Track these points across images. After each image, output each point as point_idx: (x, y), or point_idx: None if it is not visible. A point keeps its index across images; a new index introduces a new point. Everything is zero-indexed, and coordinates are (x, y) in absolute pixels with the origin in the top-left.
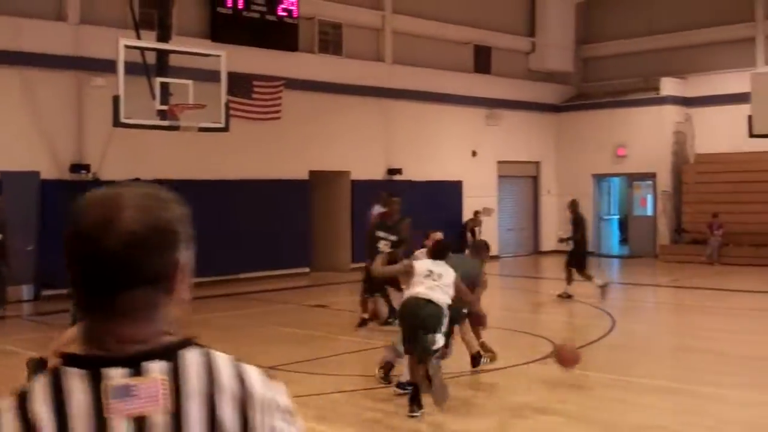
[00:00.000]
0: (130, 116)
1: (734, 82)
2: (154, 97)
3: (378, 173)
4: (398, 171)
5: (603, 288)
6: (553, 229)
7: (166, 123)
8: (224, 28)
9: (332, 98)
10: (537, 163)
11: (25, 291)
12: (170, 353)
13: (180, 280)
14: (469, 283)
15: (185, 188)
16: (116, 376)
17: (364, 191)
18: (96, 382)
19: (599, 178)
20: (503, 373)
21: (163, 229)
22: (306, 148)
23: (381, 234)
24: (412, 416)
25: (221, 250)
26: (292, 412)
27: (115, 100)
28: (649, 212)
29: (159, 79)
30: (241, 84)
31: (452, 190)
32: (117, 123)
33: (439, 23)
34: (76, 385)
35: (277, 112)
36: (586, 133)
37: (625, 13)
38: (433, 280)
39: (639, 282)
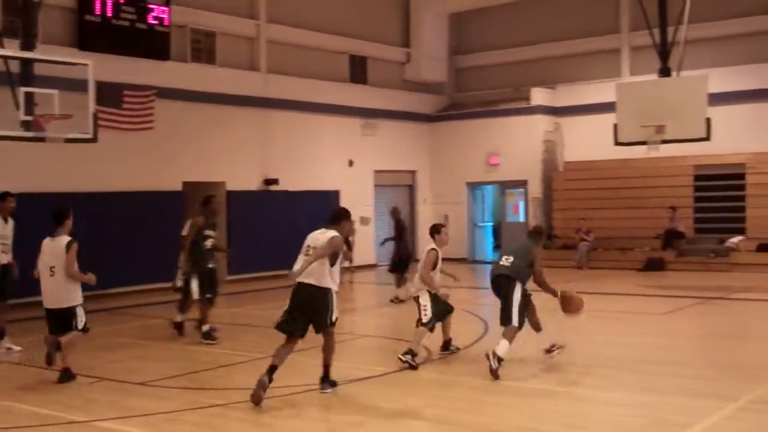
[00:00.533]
0: None
1: (601, 92)
2: (18, 107)
3: (254, 184)
4: (275, 181)
5: (396, 300)
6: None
7: (31, 134)
8: (92, 36)
9: (206, 108)
10: (413, 172)
11: None
12: None
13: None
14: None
15: (54, 201)
16: None
17: (241, 202)
18: None
19: (473, 186)
20: (377, 380)
21: None
22: (179, 159)
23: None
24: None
25: (90, 265)
26: None
27: None
28: (522, 219)
29: (23, 89)
30: (110, 93)
31: (330, 200)
32: None
33: (315, 33)
34: None
35: (148, 122)
36: (460, 142)
37: (496, 24)
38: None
39: None
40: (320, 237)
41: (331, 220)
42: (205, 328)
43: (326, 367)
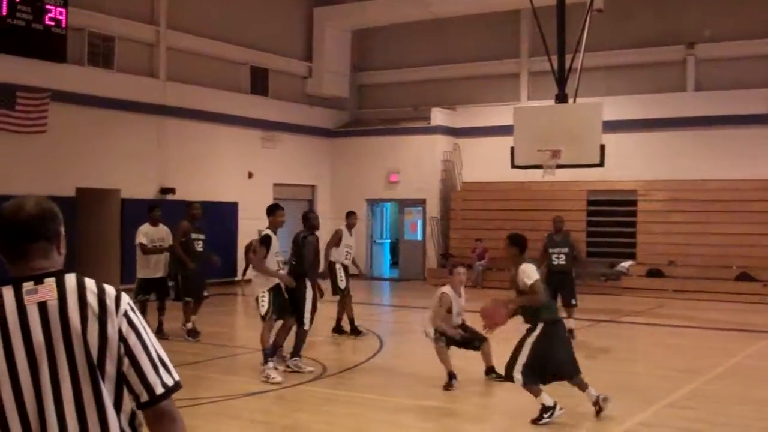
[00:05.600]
0: None
1: (500, 114)
2: None
3: (150, 192)
4: (171, 190)
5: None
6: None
7: None
8: None
9: (102, 113)
10: (313, 187)
11: None
12: (56, 274)
13: (60, 240)
14: None
15: None
16: (28, 285)
17: (135, 210)
18: (18, 289)
19: (372, 203)
20: (276, 393)
21: (45, 212)
22: (73, 164)
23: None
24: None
25: None
26: (132, 313)
27: None
28: (419, 237)
29: None
30: (3, 94)
31: (228, 212)
32: None
33: (216, 42)
34: (7, 292)
35: (42, 125)
36: (361, 158)
37: (399, 43)
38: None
39: (408, 304)
40: None
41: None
42: (189, 326)
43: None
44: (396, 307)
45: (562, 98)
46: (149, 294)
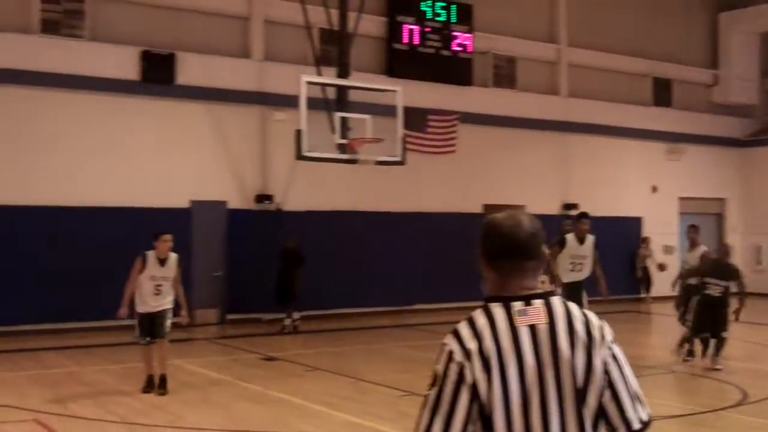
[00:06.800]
0: (312, 149)
1: None
2: (333, 131)
3: (553, 208)
4: (574, 206)
5: None
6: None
7: (345, 156)
8: (400, 64)
9: (506, 132)
10: (722, 200)
11: (212, 315)
12: (544, 296)
13: (543, 260)
14: None
15: (359, 219)
16: (518, 305)
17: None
18: (508, 308)
19: None
20: (696, 417)
21: (537, 231)
22: (480, 182)
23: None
24: None
25: (397, 280)
26: (614, 345)
27: (298, 134)
28: None
29: (338, 114)
30: (416, 118)
31: (631, 227)
32: (299, 156)
33: (617, 55)
34: (497, 310)
35: (451, 145)
36: None
37: None
38: None
39: None
40: None
41: None
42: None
43: None
44: None
45: None
46: None
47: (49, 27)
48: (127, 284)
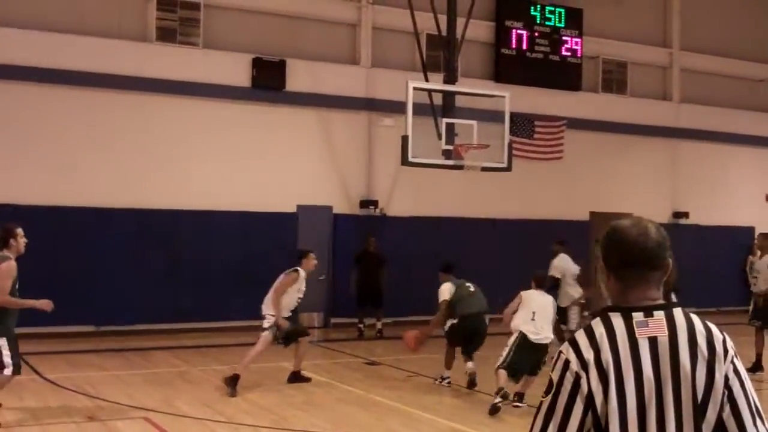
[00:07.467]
0: (417, 155)
1: None
2: (440, 136)
3: (663, 216)
4: (685, 214)
5: None
6: None
7: (451, 162)
8: (508, 69)
9: (615, 138)
10: None
11: (316, 318)
12: (666, 307)
13: (667, 270)
14: None
15: (464, 225)
16: (638, 316)
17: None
18: (628, 319)
19: None
20: None
21: (664, 239)
22: (587, 189)
23: None
24: None
25: (501, 287)
26: (736, 358)
27: (404, 139)
28: None
29: (445, 120)
30: (522, 124)
31: (742, 237)
32: (405, 162)
33: (731, 59)
34: (617, 321)
35: (559, 152)
36: None
37: None
38: None
39: None
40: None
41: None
42: None
43: None
44: None
45: None
46: None
47: (165, 35)
48: (279, 297)
